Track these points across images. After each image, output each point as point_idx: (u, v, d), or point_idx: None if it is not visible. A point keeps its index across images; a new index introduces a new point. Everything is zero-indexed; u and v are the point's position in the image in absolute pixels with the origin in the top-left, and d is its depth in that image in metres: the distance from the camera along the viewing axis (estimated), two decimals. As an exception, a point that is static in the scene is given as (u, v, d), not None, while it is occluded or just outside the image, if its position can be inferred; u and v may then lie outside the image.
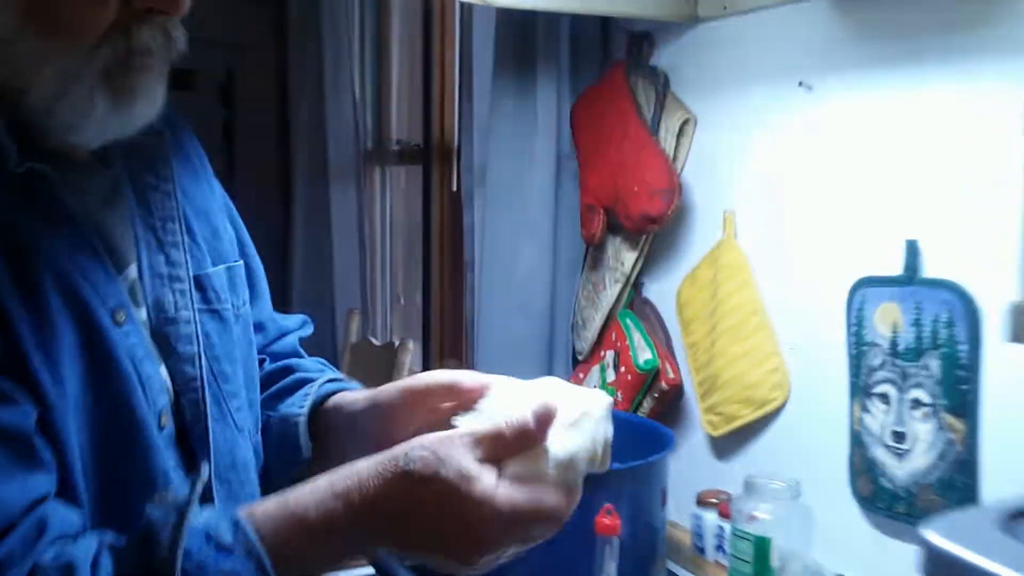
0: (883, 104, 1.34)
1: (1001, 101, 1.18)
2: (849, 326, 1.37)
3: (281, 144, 3.33)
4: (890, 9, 1.32)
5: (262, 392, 1.04)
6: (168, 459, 0.84)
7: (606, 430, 0.81)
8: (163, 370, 0.86)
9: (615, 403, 1.27)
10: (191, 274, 0.90)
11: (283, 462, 1.00)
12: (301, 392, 1.03)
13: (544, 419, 0.76)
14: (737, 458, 1.65)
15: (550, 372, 1.78)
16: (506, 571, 0.78)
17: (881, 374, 1.32)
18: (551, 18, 1.87)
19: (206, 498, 0.84)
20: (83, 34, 0.76)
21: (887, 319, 1.31)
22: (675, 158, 1.68)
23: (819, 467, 1.44)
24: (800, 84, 1.44)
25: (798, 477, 1.36)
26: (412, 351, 2.59)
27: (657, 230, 1.71)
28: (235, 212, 1.06)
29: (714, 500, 1.56)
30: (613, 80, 1.81)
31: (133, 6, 0.77)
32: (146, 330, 0.86)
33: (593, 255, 1.90)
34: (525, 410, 0.75)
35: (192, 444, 0.87)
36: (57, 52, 0.76)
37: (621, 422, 1.55)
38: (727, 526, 1.50)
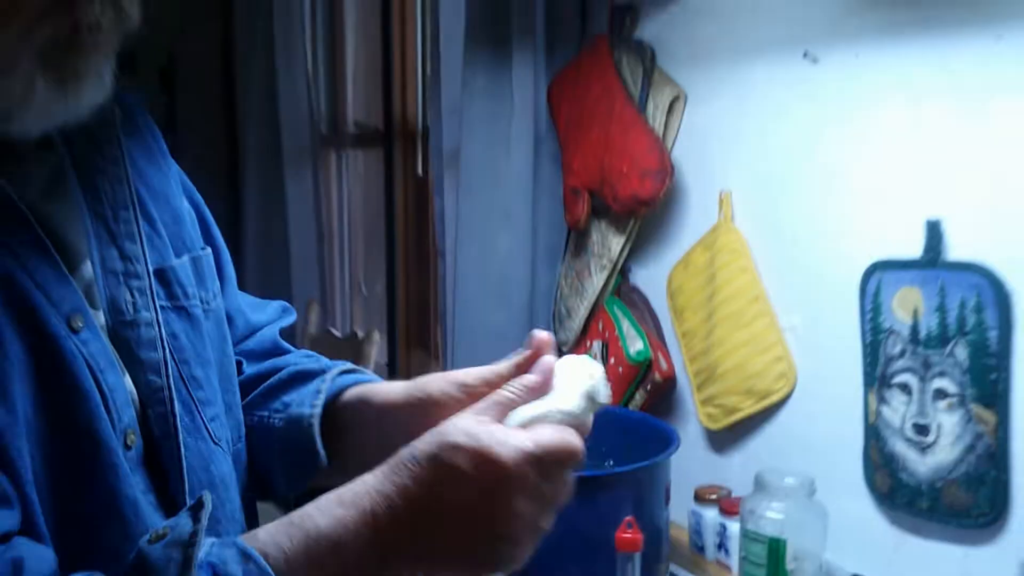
0: (898, 75, 1.26)
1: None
2: (863, 312, 1.30)
3: (228, 130, 3.20)
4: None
5: (246, 395, 0.93)
6: (136, 484, 0.73)
7: (596, 370, 0.78)
8: (127, 380, 0.75)
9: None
10: (151, 268, 0.79)
11: (293, 470, 0.90)
12: (310, 388, 0.91)
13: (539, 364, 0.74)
14: (735, 452, 1.57)
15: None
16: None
17: (901, 363, 1.24)
18: (526, -10, 1.76)
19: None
20: (16, 10, 0.65)
21: (907, 305, 1.23)
22: (664, 137, 1.59)
23: (829, 462, 1.37)
24: (805, 55, 1.35)
25: (804, 472, 1.30)
26: (378, 343, 2.48)
27: (647, 213, 1.62)
28: (193, 188, 0.94)
29: (713, 496, 1.48)
30: (596, 55, 1.70)
31: None
32: (106, 336, 0.75)
33: (576, 241, 1.80)
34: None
35: (163, 463, 0.77)
36: None
37: (619, 419, 1.50)
38: (729, 523, 1.43)
